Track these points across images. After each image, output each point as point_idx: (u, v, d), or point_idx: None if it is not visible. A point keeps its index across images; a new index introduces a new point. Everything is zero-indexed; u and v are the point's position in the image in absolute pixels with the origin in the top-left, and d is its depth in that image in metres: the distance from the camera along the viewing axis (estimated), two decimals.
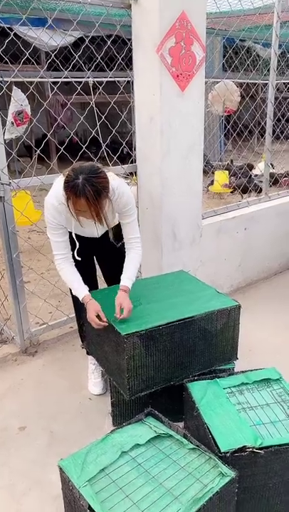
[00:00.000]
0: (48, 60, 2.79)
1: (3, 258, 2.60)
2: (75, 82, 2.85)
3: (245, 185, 5.55)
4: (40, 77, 3.01)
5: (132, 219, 2.05)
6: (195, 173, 2.82)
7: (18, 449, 2.03)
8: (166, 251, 2.83)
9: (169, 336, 1.91)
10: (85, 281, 2.06)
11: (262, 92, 6.70)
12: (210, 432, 1.60)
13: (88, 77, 3.82)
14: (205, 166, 2.94)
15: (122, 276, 2.05)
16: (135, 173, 2.82)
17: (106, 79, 3.21)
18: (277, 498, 1.62)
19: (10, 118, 4.63)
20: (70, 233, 2.01)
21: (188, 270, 2.55)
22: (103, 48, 2.77)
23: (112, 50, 3.47)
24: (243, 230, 3.39)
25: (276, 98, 3.61)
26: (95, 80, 3.79)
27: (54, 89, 2.54)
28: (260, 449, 1.51)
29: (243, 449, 1.51)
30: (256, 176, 6.22)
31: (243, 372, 1.96)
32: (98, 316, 1.93)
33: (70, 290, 2.11)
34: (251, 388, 1.85)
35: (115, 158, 2.88)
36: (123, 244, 2.14)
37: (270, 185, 3.93)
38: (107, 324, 1.91)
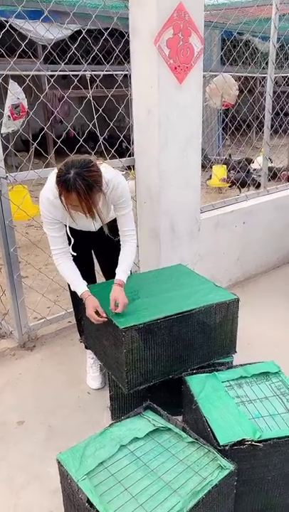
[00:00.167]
0: (44, 52, 2.76)
1: (1, 253, 2.59)
2: (72, 75, 2.82)
3: (243, 179, 5.54)
4: (37, 70, 2.98)
5: (127, 211, 2.02)
6: (193, 166, 2.81)
7: (17, 443, 2.03)
8: (164, 245, 2.81)
9: (167, 330, 1.90)
10: (83, 276, 2.05)
11: (260, 85, 6.66)
12: (209, 425, 1.60)
13: (85, 71, 3.79)
14: (203, 160, 2.92)
15: (117, 270, 2.04)
16: (133, 166, 2.80)
17: (103, 72, 3.18)
18: (276, 491, 1.62)
19: (6, 112, 4.60)
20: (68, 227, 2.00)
21: (186, 264, 2.54)
22: (100, 41, 2.74)
23: (109, 43, 3.44)
24: (242, 224, 3.38)
25: (274, 92, 3.59)
26: (93, 73, 3.76)
27: (51, 81, 2.52)
28: (259, 442, 1.51)
29: (242, 442, 1.51)
30: (255, 170, 6.20)
31: (241, 365, 1.96)
32: (97, 312, 1.92)
33: (69, 285, 2.10)
34: (250, 382, 1.85)
35: (113, 151, 2.86)
36: None
37: (269, 180, 3.91)
38: (106, 320, 1.90)
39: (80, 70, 3.37)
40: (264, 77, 3.99)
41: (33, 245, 3.07)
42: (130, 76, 2.62)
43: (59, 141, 2.59)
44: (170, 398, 2.00)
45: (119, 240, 2.12)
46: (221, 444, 1.50)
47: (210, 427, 1.59)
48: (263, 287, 3.52)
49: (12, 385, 2.41)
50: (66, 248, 2.01)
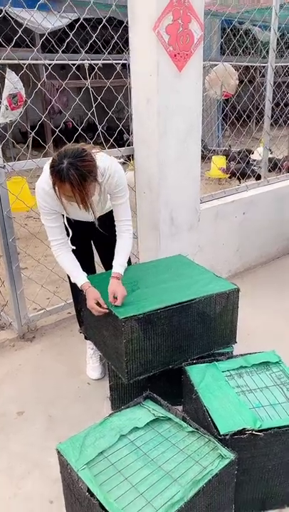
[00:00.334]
0: (42, 40, 2.72)
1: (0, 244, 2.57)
2: (71, 64, 2.78)
3: (243, 170, 5.50)
4: (34, 59, 2.94)
5: (124, 200, 1.99)
6: (193, 155, 2.78)
7: (17, 433, 2.03)
8: (163, 236, 2.80)
9: (167, 320, 1.89)
10: (83, 267, 2.03)
11: (260, 75, 6.60)
12: (209, 414, 1.59)
13: (84, 60, 3.74)
14: (202, 151, 2.89)
15: (114, 263, 2.01)
16: (132, 156, 2.77)
17: (102, 61, 3.14)
18: (277, 480, 1.62)
19: (4, 102, 4.55)
20: (66, 218, 1.97)
21: (186, 255, 2.52)
22: (99, 30, 2.70)
23: (108, 31, 3.39)
24: (242, 215, 3.36)
25: (274, 82, 3.54)
26: (91, 62, 3.71)
27: (48, 69, 2.48)
28: (260, 431, 1.50)
29: (242, 431, 1.50)
30: (255, 161, 6.16)
31: (242, 355, 1.95)
32: (98, 303, 1.91)
33: (68, 276, 2.08)
34: (250, 371, 1.84)
35: (112, 140, 2.83)
36: None
37: (269, 170, 3.88)
38: (107, 311, 1.89)
39: (78, 59, 3.33)
40: (264, 68, 3.94)
41: (32, 236, 3.05)
42: (129, 65, 2.58)
43: (57, 130, 2.55)
44: (170, 388, 2.00)
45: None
46: (221, 433, 1.50)
47: (210, 417, 1.58)
48: (263, 278, 3.51)
49: (12, 375, 2.40)
50: (65, 239, 1.99)
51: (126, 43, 2.56)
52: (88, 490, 1.33)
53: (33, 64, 5.61)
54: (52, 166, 1.67)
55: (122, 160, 2.60)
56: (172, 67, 2.47)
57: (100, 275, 2.20)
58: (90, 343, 2.35)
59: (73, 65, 2.67)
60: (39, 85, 2.50)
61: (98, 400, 2.20)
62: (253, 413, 1.58)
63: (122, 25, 2.58)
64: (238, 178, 5.88)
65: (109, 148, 2.80)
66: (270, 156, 4.33)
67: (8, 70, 4.43)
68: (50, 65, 2.56)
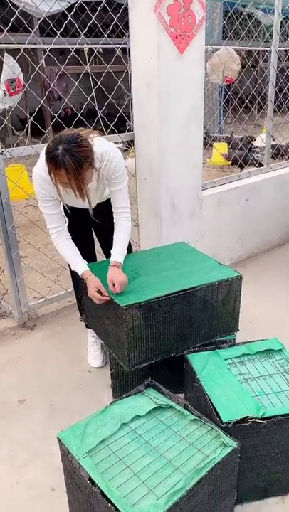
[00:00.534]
0: (39, 22, 2.65)
1: None
2: (70, 48, 2.71)
3: (246, 156, 5.43)
4: (32, 42, 2.87)
5: (122, 186, 1.94)
6: (195, 141, 2.73)
7: (18, 421, 2.02)
8: (165, 223, 2.76)
9: (168, 308, 1.87)
10: (83, 254, 2.00)
11: (262, 60, 6.48)
12: (211, 402, 1.58)
13: (83, 44, 3.66)
14: (204, 137, 2.83)
15: (112, 251, 1.98)
16: (133, 142, 2.72)
17: (101, 46, 3.07)
18: (279, 467, 1.61)
19: (2, 87, 4.47)
20: (64, 206, 1.94)
21: (188, 242, 2.49)
22: (98, 12, 2.62)
23: (107, 14, 3.31)
24: (244, 202, 3.32)
25: (277, 67, 3.47)
26: (90, 46, 3.63)
27: (47, 52, 2.42)
28: (263, 419, 1.49)
29: (245, 419, 1.49)
30: (257, 147, 6.09)
31: (244, 343, 1.93)
32: (99, 291, 1.88)
33: (69, 264, 2.05)
34: (253, 359, 1.82)
35: (112, 126, 2.78)
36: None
37: (274, 158, 3.82)
38: (109, 299, 1.86)
39: (77, 43, 3.25)
40: (267, 52, 3.86)
41: (32, 225, 3.02)
42: (129, 50, 2.52)
43: (56, 116, 2.50)
44: (172, 376, 1.99)
45: None
46: (224, 421, 1.49)
47: (213, 405, 1.57)
48: (265, 266, 3.48)
49: (12, 364, 2.39)
50: (64, 226, 1.96)
51: (126, 26, 2.49)
52: (89, 478, 1.31)
53: (32, 49, 5.53)
54: (47, 152, 1.63)
55: (120, 145, 2.55)
56: (173, 50, 2.41)
57: (100, 263, 2.17)
58: (91, 332, 2.33)
59: (72, 48, 2.61)
60: (37, 68, 2.44)
61: (99, 388, 2.19)
62: (255, 401, 1.57)
63: (121, 8, 2.51)
64: (240, 166, 5.81)
65: (108, 132, 2.76)
66: (273, 142, 4.27)
67: (6, 54, 4.34)
68: (48, 49, 2.50)
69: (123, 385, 2.04)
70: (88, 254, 2.14)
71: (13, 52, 4.42)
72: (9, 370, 2.35)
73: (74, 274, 2.12)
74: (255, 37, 4.19)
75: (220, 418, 1.51)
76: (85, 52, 4.44)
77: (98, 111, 2.66)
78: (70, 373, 2.31)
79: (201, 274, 2.01)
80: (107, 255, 2.28)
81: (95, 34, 5.62)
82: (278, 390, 1.65)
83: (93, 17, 2.55)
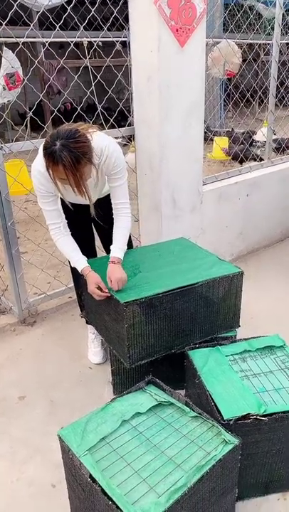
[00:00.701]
0: (38, 15, 2.62)
1: None
2: (69, 42, 2.69)
3: (246, 151, 5.39)
4: (31, 36, 2.84)
5: (122, 182, 1.92)
6: (195, 135, 2.70)
7: (18, 418, 2.01)
8: (165, 217, 2.74)
9: (169, 304, 1.85)
10: (83, 250, 1.98)
11: (263, 53, 6.43)
12: (212, 399, 1.57)
13: (82, 37, 3.63)
14: (205, 132, 2.81)
15: (112, 247, 1.96)
16: (133, 137, 2.70)
17: (101, 39, 3.03)
18: (280, 464, 1.60)
19: (1, 81, 4.44)
20: (63, 201, 1.92)
21: (188, 238, 2.48)
22: (98, 5, 2.60)
23: (107, 7, 3.28)
24: (245, 197, 3.30)
25: (279, 60, 3.43)
26: (90, 39, 3.60)
27: (46, 46, 2.39)
28: (264, 416, 1.48)
29: (246, 416, 1.48)
30: (258, 142, 6.05)
31: (245, 339, 1.92)
32: (99, 288, 1.87)
33: (69, 260, 2.04)
34: (254, 355, 1.81)
35: (112, 120, 2.76)
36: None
37: (276, 152, 3.79)
38: (109, 295, 1.85)
39: (77, 36, 3.22)
40: (268, 45, 3.82)
41: (32, 220, 3.00)
42: (129, 43, 2.49)
43: (55, 110, 2.48)
44: (172, 373, 1.98)
45: None
46: (225, 418, 1.48)
47: (214, 402, 1.56)
48: (266, 261, 3.46)
49: (12, 360, 2.39)
50: (63, 222, 1.94)
51: (126, 19, 2.46)
52: (90, 476, 1.31)
53: (31, 42, 5.47)
54: (45, 148, 1.61)
55: (119, 140, 2.53)
56: (174, 43, 2.38)
57: (100, 259, 2.15)
58: (92, 328, 2.32)
59: (72, 42, 2.58)
60: (36, 62, 2.42)
61: (100, 384, 2.18)
62: (257, 398, 1.56)
63: (121, 1, 2.48)
64: (240, 162, 5.78)
65: (108, 127, 2.73)
66: (275, 136, 4.24)
67: (4, 48, 4.30)
68: (47, 42, 2.47)
69: (124, 382, 2.04)
70: (88, 250, 2.13)
71: (12, 46, 4.38)
72: (9, 367, 2.34)
73: (74, 270, 2.10)
74: (257, 30, 4.14)
75: (221, 415, 1.50)
76: (85, 45, 4.40)
77: (98, 105, 2.64)
78: (71, 369, 2.30)
79: (202, 270, 2.00)
80: (108, 251, 2.27)
81: (95, 27, 5.58)
82: (279, 387, 1.64)
83: (93, 10, 2.52)
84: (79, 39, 3.40)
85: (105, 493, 1.25)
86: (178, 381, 1.95)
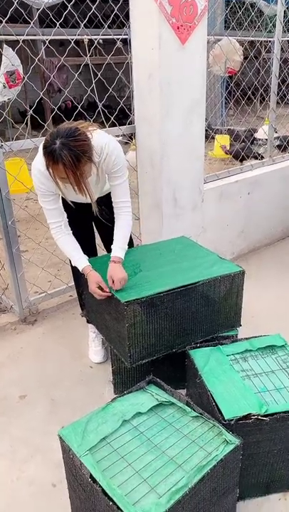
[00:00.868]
0: (38, 12, 2.60)
1: None
2: (70, 39, 2.68)
3: (247, 149, 5.37)
4: (32, 34, 2.83)
5: (122, 180, 1.91)
6: (196, 133, 2.69)
7: (19, 417, 2.01)
8: (166, 216, 2.73)
9: (170, 303, 1.85)
10: (84, 249, 1.97)
11: (265, 50, 6.39)
12: (213, 399, 1.56)
13: (83, 35, 3.61)
14: (206, 130, 2.79)
15: (113, 246, 1.95)
16: (134, 135, 2.68)
17: (102, 37, 3.02)
18: (282, 464, 1.60)
19: (2, 79, 4.43)
20: (64, 200, 1.91)
21: (189, 236, 2.47)
22: (98, 3, 2.58)
23: (107, 4, 3.26)
24: (246, 195, 3.29)
25: (280, 58, 3.41)
26: (90, 37, 3.58)
27: (46, 44, 2.38)
28: (266, 416, 1.48)
29: (247, 416, 1.47)
30: (260, 140, 6.02)
31: (246, 338, 1.91)
32: (100, 287, 1.86)
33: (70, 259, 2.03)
34: (255, 355, 1.81)
35: (112, 118, 2.74)
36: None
37: (279, 150, 3.77)
38: (110, 294, 1.84)
39: (77, 34, 3.20)
40: (269, 43, 3.79)
41: (33, 219, 2.99)
42: (130, 41, 2.47)
43: (56, 108, 2.46)
44: (173, 372, 1.97)
45: None
46: (226, 418, 1.47)
47: (215, 402, 1.55)
48: (268, 260, 3.45)
49: (13, 359, 2.38)
50: (64, 221, 1.93)
51: (126, 17, 2.45)
52: (91, 476, 1.30)
53: (31, 40, 5.46)
54: (44, 147, 1.60)
55: (120, 139, 2.52)
56: (175, 40, 2.37)
57: (101, 258, 2.14)
58: (92, 327, 2.31)
59: (72, 40, 2.57)
60: (36, 60, 2.40)
61: (101, 383, 2.18)
62: (258, 398, 1.55)
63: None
64: (241, 160, 5.75)
65: (109, 125, 2.72)
66: (276, 134, 4.22)
67: (5, 46, 4.29)
68: (48, 40, 2.46)
69: (124, 381, 2.03)
70: (89, 249, 2.12)
71: (13, 44, 4.36)
72: (10, 365, 2.34)
73: (75, 269, 2.09)
74: (258, 27, 4.12)
75: (222, 415, 1.49)
76: (85, 43, 4.38)
77: (99, 103, 2.62)
78: (71, 368, 2.29)
79: (203, 268, 1.99)
80: (109, 250, 2.26)
81: (95, 25, 5.56)
82: (281, 387, 1.63)
83: (93, 7, 2.51)
84: (79, 37, 3.39)
85: (106, 494, 1.25)
86: (179, 381, 1.95)
